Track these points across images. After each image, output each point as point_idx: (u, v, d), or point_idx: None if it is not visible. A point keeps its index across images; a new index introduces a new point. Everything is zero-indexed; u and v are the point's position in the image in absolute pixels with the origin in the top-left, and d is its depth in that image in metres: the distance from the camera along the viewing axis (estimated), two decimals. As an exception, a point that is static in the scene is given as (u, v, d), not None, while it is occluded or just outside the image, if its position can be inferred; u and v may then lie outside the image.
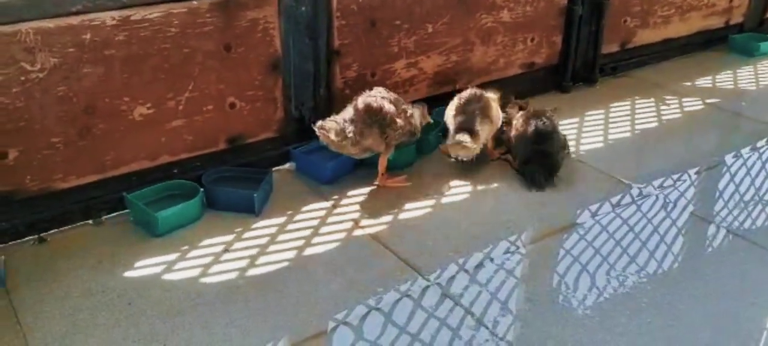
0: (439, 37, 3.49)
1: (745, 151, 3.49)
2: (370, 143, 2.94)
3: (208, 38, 2.78)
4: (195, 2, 2.71)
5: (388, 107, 2.96)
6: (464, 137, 3.05)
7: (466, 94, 3.21)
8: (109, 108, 2.66)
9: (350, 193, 3.04)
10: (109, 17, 2.55)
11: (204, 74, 2.82)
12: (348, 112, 2.95)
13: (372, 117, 2.92)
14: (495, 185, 3.14)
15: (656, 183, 3.17)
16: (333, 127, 2.86)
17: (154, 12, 2.63)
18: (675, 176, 3.23)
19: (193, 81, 2.81)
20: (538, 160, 3.12)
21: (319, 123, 2.86)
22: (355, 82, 3.28)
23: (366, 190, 3.06)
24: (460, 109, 3.17)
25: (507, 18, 3.73)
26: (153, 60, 2.69)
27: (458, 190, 3.10)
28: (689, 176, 3.24)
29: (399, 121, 2.99)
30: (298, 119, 3.18)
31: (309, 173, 3.13)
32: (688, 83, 4.34)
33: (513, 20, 3.76)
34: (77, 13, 2.49)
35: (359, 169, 3.20)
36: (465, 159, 3.16)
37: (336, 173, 3.11)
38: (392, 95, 3.06)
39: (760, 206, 3.04)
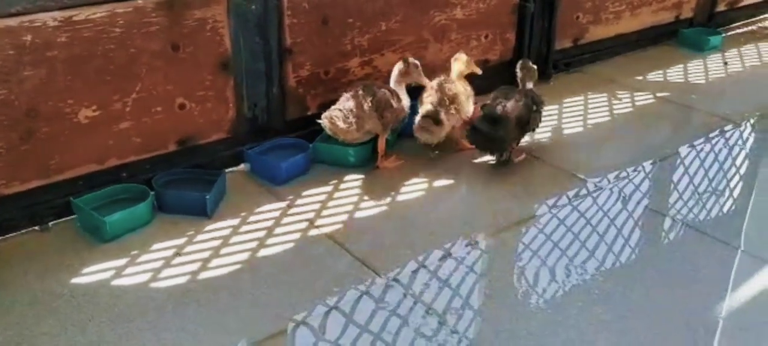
0: (392, 34, 3.48)
1: (696, 143, 3.55)
2: (371, 126, 3.07)
3: (155, 38, 2.73)
4: (140, 1, 2.66)
5: (382, 92, 3.10)
6: (424, 126, 3.19)
7: (435, 82, 3.29)
8: (52, 111, 2.59)
9: (305, 193, 3.01)
10: (50, 18, 2.48)
11: (151, 75, 2.77)
12: (345, 101, 3.05)
13: (369, 102, 3.04)
14: (451, 181, 3.14)
15: (609, 177, 3.20)
16: (340, 115, 2.97)
17: (98, 12, 2.57)
18: (628, 170, 3.26)
19: (140, 82, 2.75)
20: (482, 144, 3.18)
21: (325, 113, 2.98)
22: (308, 81, 3.25)
23: (321, 189, 3.03)
24: (430, 97, 3.25)
25: (460, 15, 3.73)
26: (97, 61, 2.62)
27: (414, 187, 3.08)
28: (642, 169, 3.28)
29: (393, 103, 3.11)
30: (251, 119, 3.14)
31: (263, 174, 3.09)
32: (640, 78, 4.40)
33: (466, 17, 3.76)
34: (16, 15, 2.42)
35: (314, 169, 3.17)
36: (429, 143, 3.25)
37: (290, 173, 3.07)
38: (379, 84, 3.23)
39: (712, 198, 3.09)
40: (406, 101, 3.24)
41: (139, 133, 2.82)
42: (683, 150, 3.48)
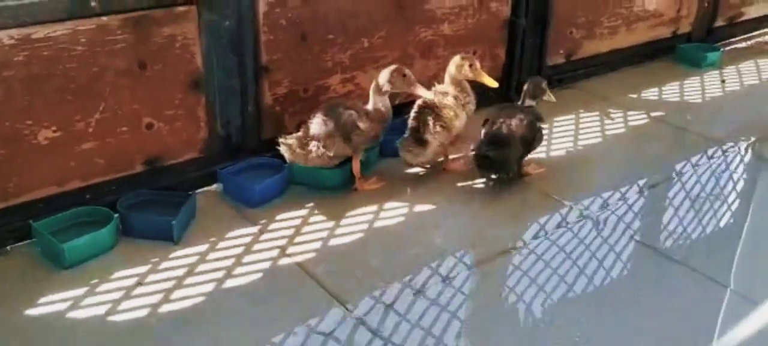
0: (376, 51, 3.36)
1: (688, 170, 3.42)
2: (337, 151, 2.92)
3: (120, 56, 2.61)
4: (105, 18, 2.53)
5: (348, 114, 2.92)
6: (406, 146, 3.13)
7: (420, 101, 3.16)
8: (9, 132, 2.47)
9: (279, 216, 2.89)
10: (6, 36, 2.36)
11: (116, 94, 2.65)
12: (311, 125, 2.92)
13: (332, 126, 2.89)
14: (433, 206, 3.01)
15: (596, 204, 3.07)
16: (294, 142, 2.87)
17: (59, 29, 2.45)
18: (615, 197, 3.14)
19: (104, 101, 2.63)
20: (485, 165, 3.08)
21: (282, 139, 2.86)
22: (285, 99, 3.13)
23: (296, 213, 2.91)
24: (415, 116, 3.15)
25: (448, 31, 3.61)
26: (57, 80, 2.50)
27: (394, 212, 2.96)
28: (630, 197, 3.15)
29: (362, 124, 2.95)
30: (225, 138, 3.03)
31: (236, 195, 2.97)
32: (634, 96, 4.28)
33: (454, 33, 3.64)
34: (-29, 32, 2.31)
35: (290, 191, 3.05)
36: (415, 163, 3.20)
37: (265, 196, 2.95)
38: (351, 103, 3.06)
39: (701, 231, 2.96)
40: (382, 115, 3.08)
41: (104, 154, 2.70)
42: (674, 177, 3.35)
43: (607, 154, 3.56)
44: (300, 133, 2.91)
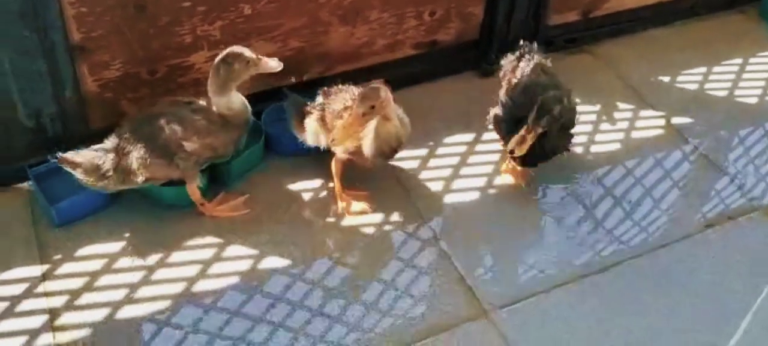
0: (264, 19, 2.47)
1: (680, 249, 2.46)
2: (154, 174, 2.21)
3: None
4: None
5: (172, 130, 2.18)
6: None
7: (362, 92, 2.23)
8: None
9: (82, 251, 2.22)
10: None
11: None
12: (112, 139, 2.21)
13: (149, 143, 2.17)
14: (287, 258, 2.26)
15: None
16: (83, 161, 2.16)
17: None
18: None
19: None
20: None
21: (65, 155, 2.15)
22: (120, 84, 2.37)
23: (106, 247, 2.24)
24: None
25: (387, -12, 2.63)
26: None
27: (236, 264, 2.24)
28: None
29: (189, 144, 2.19)
30: (36, 129, 2.33)
31: (43, 206, 2.33)
32: (665, 78, 3.16)
33: (398, -10, 2.66)
34: None
35: (120, 202, 2.35)
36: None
37: (72, 214, 2.29)
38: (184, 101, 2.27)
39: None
40: (235, 116, 2.28)
41: None
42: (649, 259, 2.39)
43: (567, 207, 2.58)
44: (99, 148, 2.18)
